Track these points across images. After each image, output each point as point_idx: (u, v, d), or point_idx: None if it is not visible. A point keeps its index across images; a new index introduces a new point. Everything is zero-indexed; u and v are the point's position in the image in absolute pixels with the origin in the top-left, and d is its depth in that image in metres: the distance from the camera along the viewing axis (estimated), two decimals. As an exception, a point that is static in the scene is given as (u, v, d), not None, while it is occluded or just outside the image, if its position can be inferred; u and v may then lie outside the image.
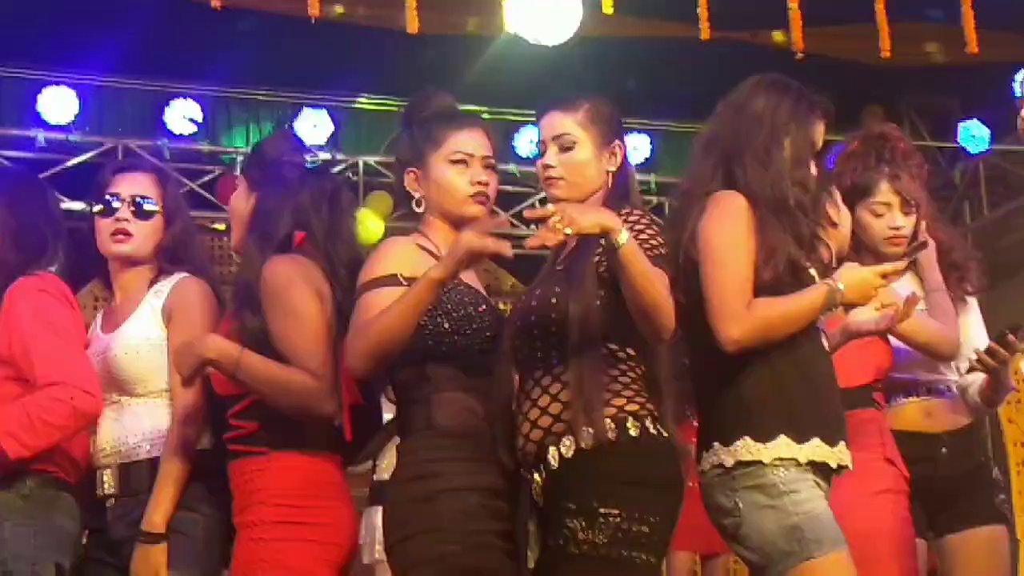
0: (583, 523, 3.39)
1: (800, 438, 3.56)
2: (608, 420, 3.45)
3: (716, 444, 3.63)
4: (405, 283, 3.58)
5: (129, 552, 3.89)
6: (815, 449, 3.58)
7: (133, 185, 4.19)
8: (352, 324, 3.60)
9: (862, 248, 4.56)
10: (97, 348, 4.12)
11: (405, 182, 3.85)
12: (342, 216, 4.04)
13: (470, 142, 3.83)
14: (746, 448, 3.57)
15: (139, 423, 4.03)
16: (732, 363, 3.61)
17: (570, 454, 3.46)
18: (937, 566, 4.47)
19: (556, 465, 3.48)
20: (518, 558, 3.60)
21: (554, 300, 3.59)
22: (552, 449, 3.49)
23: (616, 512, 3.38)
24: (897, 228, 4.57)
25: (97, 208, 4.18)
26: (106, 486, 4.03)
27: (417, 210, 3.84)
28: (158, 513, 3.86)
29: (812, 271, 3.71)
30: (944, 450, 4.42)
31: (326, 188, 4.09)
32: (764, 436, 3.56)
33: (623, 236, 3.34)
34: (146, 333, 4.07)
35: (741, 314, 3.57)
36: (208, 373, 3.80)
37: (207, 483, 3.95)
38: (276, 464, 3.75)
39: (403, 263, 3.66)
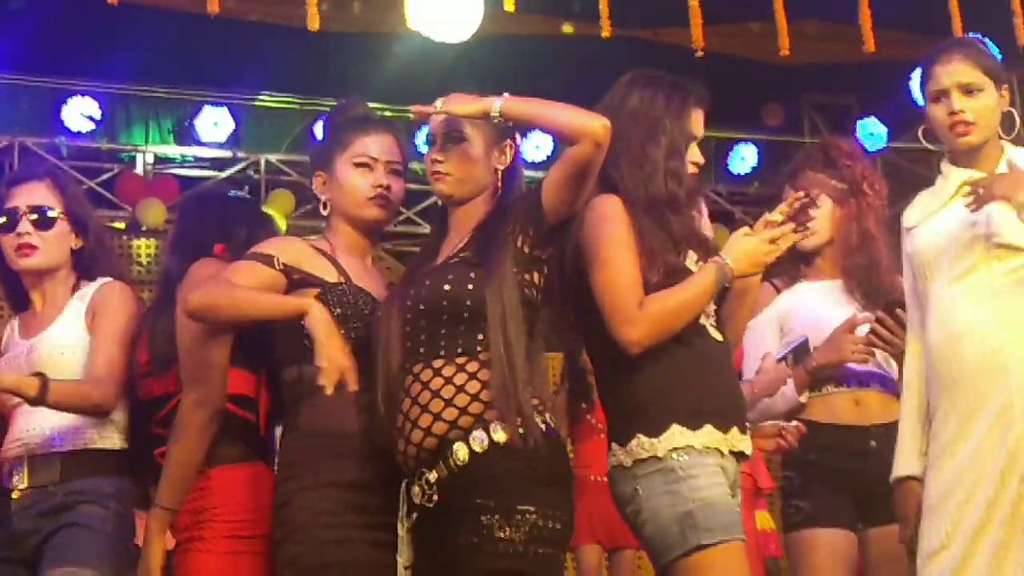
0: (499, 519, 3.37)
1: (693, 425, 3.59)
2: (518, 416, 3.45)
3: (615, 445, 3.65)
4: (279, 268, 3.62)
5: (35, 542, 3.88)
6: (709, 435, 3.60)
7: (30, 195, 4.14)
8: (216, 278, 3.66)
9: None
10: (18, 352, 4.10)
11: (314, 186, 3.86)
12: (260, 231, 4.05)
13: (375, 146, 3.83)
14: (640, 445, 3.58)
15: (54, 418, 3.97)
16: (625, 363, 3.63)
17: (481, 449, 3.44)
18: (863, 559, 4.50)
19: (465, 460, 3.46)
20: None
21: (470, 287, 3.56)
22: (459, 444, 3.46)
23: (532, 510, 3.38)
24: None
25: (1, 221, 4.13)
26: (18, 477, 3.99)
27: (323, 213, 3.84)
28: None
29: (692, 267, 3.73)
30: (873, 443, 4.44)
31: (248, 210, 4.29)
32: (656, 430, 3.57)
33: (495, 106, 3.53)
34: (71, 335, 4.05)
35: (636, 315, 3.59)
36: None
37: (117, 480, 3.96)
38: (217, 483, 3.72)
39: (286, 251, 3.68)
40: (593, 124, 3.46)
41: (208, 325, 3.69)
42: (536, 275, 3.58)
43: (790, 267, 4.57)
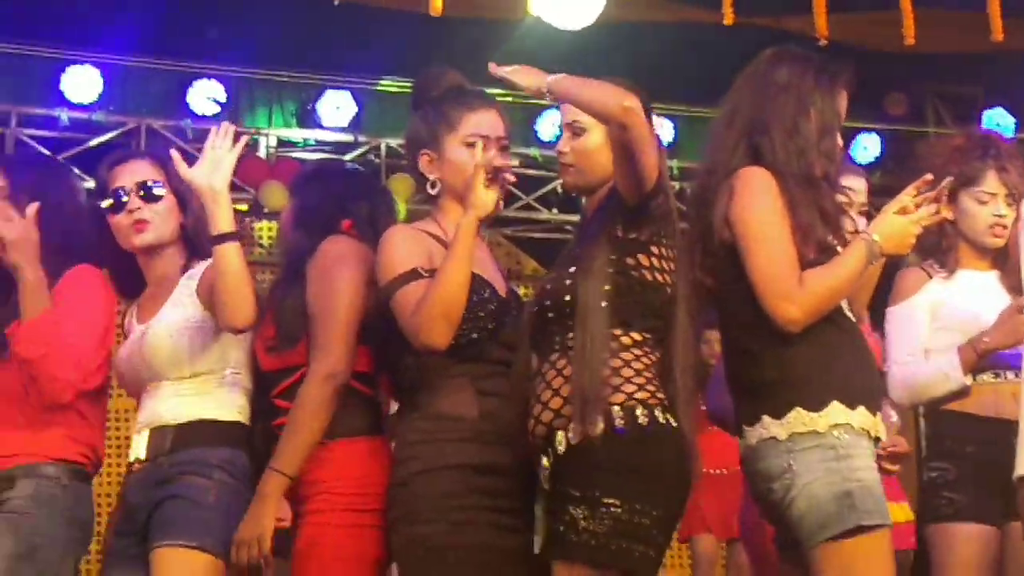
0: (585, 511, 3.38)
1: (851, 404, 3.55)
2: (617, 408, 3.44)
3: (765, 417, 3.60)
4: (427, 275, 3.62)
5: (144, 516, 3.92)
6: (863, 416, 3.56)
7: (134, 173, 4.17)
8: (403, 320, 3.62)
9: (959, 237, 4.58)
10: (133, 337, 4.15)
11: (419, 165, 3.86)
12: (383, 208, 4.12)
13: (485, 123, 3.86)
14: (799, 419, 3.53)
15: (174, 398, 4.02)
16: (780, 338, 3.59)
17: (576, 440, 3.45)
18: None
19: (563, 450, 3.47)
20: (524, 533, 3.59)
21: (568, 282, 3.59)
22: (559, 433, 3.48)
23: (617, 503, 3.37)
24: (1000, 216, 4.52)
25: (107, 203, 4.16)
26: (133, 452, 4.06)
27: (431, 192, 3.85)
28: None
29: (838, 248, 3.69)
30: None
31: (367, 184, 4.33)
32: (816, 405, 3.53)
33: (546, 82, 3.57)
34: (180, 315, 4.06)
35: (796, 293, 3.55)
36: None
37: (226, 452, 3.97)
38: (337, 454, 3.77)
39: (416, 255, 3.69)
40: (613, 105, 3.43)
41: (360, 301, 3.76)
42: (643, 256, 3.56)
43: (942, 255, 4.56)
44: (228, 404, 4.03)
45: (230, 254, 3.76)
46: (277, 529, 3.82)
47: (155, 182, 4.15)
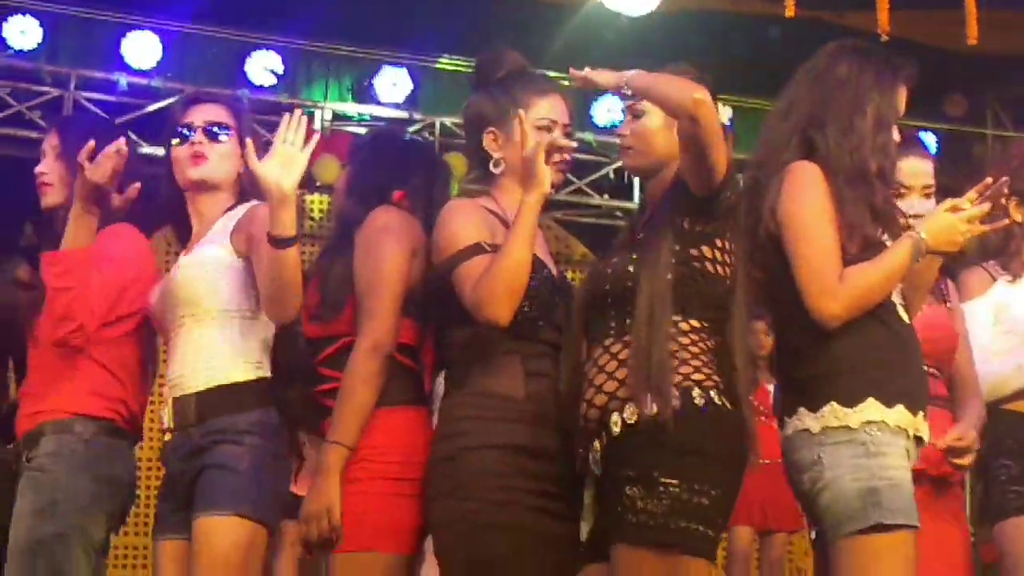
0: (642, 491, 3.37)
1: (888, 402, 3.54)
2: (673, 388, 3.44)
3: (802, 409, 3.60)
4: (490, 250, 3.62)
5: (185, 485, 3.91)
6: (901, 415, 3.55)
7: (206, 113, 4.17)
8: (465, 292, 3.60)
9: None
10: (168, 275, 4.16)
11: (484, 142, 3.86)
12: (439, 182, 4.09)
13: (554, 109, 3.86)
14: (833, 413, 3.54)
15: (193, 354, 4.00)
16: (821, 332, 3.59)
17: (632, 420, 3.45)
18: None
19: (618, 431, 3.47)
20: (567, 518, 3.60)
21: (631, 268, 3.59)
22: (615, 415, 3.48)
23: (675, 483, 3.36)
24: None
25: (174, 141, 4.17)
26: (165, 418, 4.04)
27: (494, 171, 3.85)
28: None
29: (888, 244, 3.68)
30: None
31: (424, 156, 4.27)
32: (852, 400, 3.53)
33: (625, 78, 3.55)
34: (212, 253, 4.03)
35: (836, 288, 3.55)
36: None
37: (255, 413, 3.94)
38: (378, 423, 3.74)
39: (480, 230, 3.68)
40: (685, 98, 3.42)
41: (406, 273, 3.77)
42: (706, 248, 3.56)
43: (1006, 258, 4.55)
44: (246, 355, 3.98)
45: (289, 259, 3.69)
46: (296, 496, 3.84)
47: (223, 126, 4.17)
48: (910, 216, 4.00)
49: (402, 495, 3.70)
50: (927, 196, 4.27)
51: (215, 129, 4.14)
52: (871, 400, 3.53)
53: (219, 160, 4.13)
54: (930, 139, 10.20)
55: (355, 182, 4.13)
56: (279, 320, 3.85)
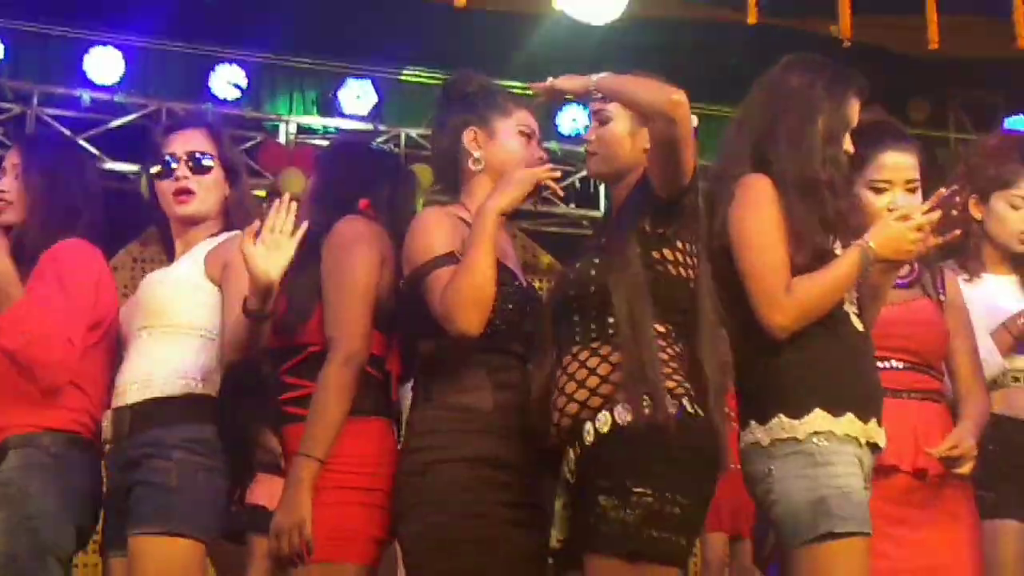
0: (615, 501, 3.37)
1: (836, 411, 3.57)
2: (645, 397, 3.45)
3: (752, 422, 3.64)
4: (460, 259, 3.62)
5: (121, 498, 3.92)
6: (850, 424, 3.57)
7: (187, 142, 4.18)
8: (434, 303, 3.60)
9: (985, 240, 4.56)
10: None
11: (464, 139, 3.86)
12: (404, 191, 4.09)
13: (532, 121, 3.93)
14: (780, 426, 3.57)
15: (140, 364, 4.02)
16: (769, 343, 3.62)
17: (605, 429, 3.45)
18: None
19: (591, 440, 3.47)
20: (535, 528, 3.60)
21: (593, 272, 3.59)
22: (588, 424, 3.48)
23: (648, 492, 3.36)
24: None
25: (155, 170, 4.18)
26: (105, 431, 4.06)
27: (474, 168, 3.85)
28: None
29: (839, 253, 3.71)
30: None
31: (389, 165, 4.28)
32: (798, 412, 3.56)
33: (592, 81, 3.56)
34: (181, 272, 4.07)
35: (783, 300, 3.59)
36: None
37: (190, 428, 3.95)
38: (343, 432, 3.72)
39: (451, 239, 3.68)
40: (661, 99, 3.42)
41: (375, 283, 3.76)
42: (668, 251, 3.57)
43: (964, 258, 4.55)
44: (190, 372, 3.99)
45: (260, 330, 3.75)
46: (265, 509, 3.83)
47: (205, 153, 4.17)
48: (892, 211, 4.02)
49: (367, 505, 3.70)
50: (911, 190, 4.17)
51: (200, 160, 4.14)
52: (817, 410, 3.56)
53: (205, 193, 4.16)
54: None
55: (321, 191, 4.13)
56: (232, 359, 3.87)
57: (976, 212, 4.56)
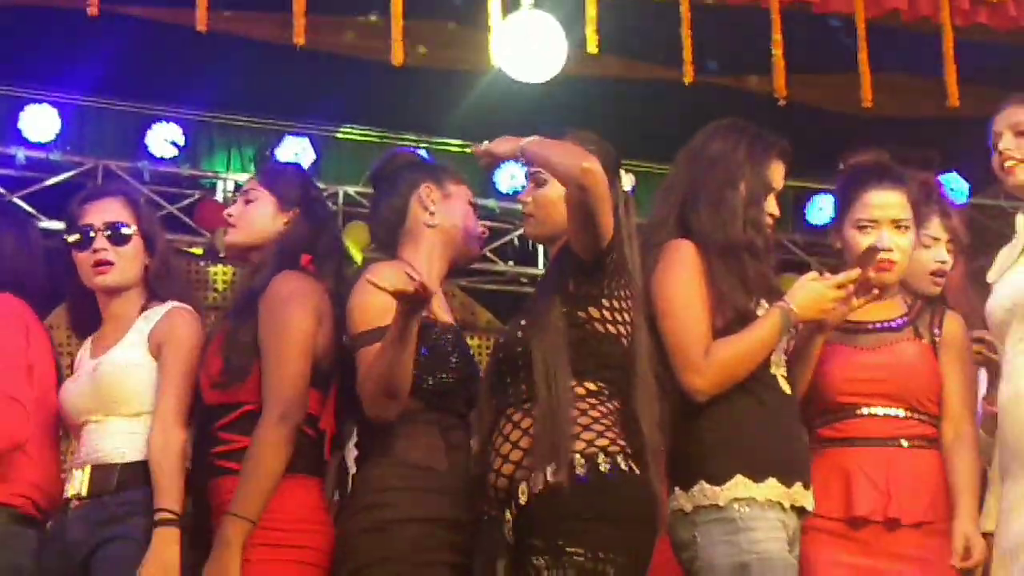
0: (548, 561, 3.38)
1: (757, 477, 3.58)
2: (578, 455, 3.45)
3: (677, 489, 3.65)
4: None
5: (84, 553, 3.88)
6: (772, 488, 3.59)
7: (105, 212, 4.18)
8: (358, 382, 3.63)
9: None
10: (83, 371, 4.13)
11: (420, 194, 3.87)
12: (339, 241, 4.10)
13: (471, 195, 4.00)
14: (702, 492, 3.61)
15: (119, 435, 4.01)
16: (692, 408, 3.64)
17: (539, 489, 3.45)
18: None
19: (525, 500, 3.47)
20: None
21: (519, 334, 3.60)
22: (522, 484, 3.48)
23: (580, 551, 3.37)
24: (943, 262, 4.44)
25: (73, 238, 4.15)
26: (71, 487, 4.01)
27: (429, 224, 3.84)
28: (174, 498, 3.84)
29: (761, 313, 3.72)
30: None
31: (326, 215, 4.28)
32: (720, 479, 3.59)
33: (520, 146, 3.60)
34: (132, 355, 4.06)
35: (702, 364, 3.62)
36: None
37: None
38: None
39: (389, 308, 3.62)
40: (574, 168, 3.46)
41: (312, 341, 3.72)
42: (593, 309, 3.59)
43: None
44: None
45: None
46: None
47: (123, 223, 4.14)
48: (881, 251, 4.02)
49: (294, 562, 3.68)
50: (899, 229, 4.15)
51: (119, 227, 4.12)
52: (738, 476, 3.59)
53: (126, 263, 4.16)
54: (828, 201, 10.30)
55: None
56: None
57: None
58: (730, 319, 3.70)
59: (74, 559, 3.93)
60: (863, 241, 4.09)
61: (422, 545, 3.57)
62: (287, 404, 3.73)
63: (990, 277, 4.11)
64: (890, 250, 4.06)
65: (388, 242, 3.92)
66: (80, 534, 3.94)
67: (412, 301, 3.41)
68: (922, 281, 4.46)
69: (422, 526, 3.59)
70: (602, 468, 3.47)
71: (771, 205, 3.91)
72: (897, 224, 4.16)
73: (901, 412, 4.09)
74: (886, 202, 4.18)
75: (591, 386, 3.57)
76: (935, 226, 4.49)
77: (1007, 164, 4.02)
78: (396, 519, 3.60)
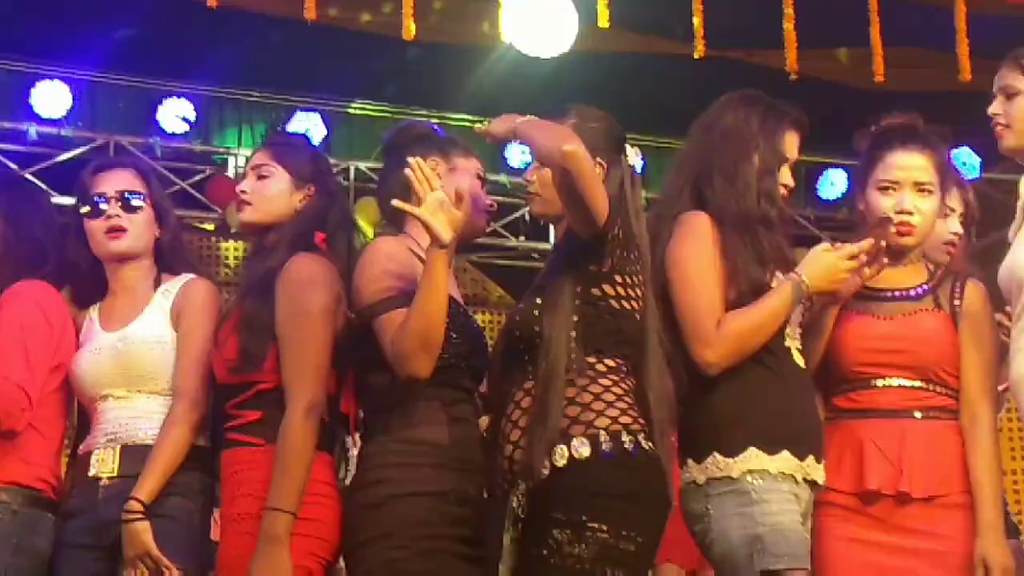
0: (570, 535, 3.38)
1: (770, 450, 3.58)
2: (603, 432, 3.46)
3: (690, 460, 3.66)
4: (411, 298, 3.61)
5: (118, 533, 3.86)
6: (785, 461, 3.59)
7: (117, 181, 4.17)
8: (385, 347, 3.61)
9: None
10: (101, 343, 4.11)
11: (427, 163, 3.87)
12: (350, 216, 4.10)
13: (481, 168, 3.99)
14: (715, 464, 3.60)
15: (146, 413, 4.01)
16: (705, 381, 3.64)
17: (562, 463, 3.45)
18: None
19: (548, 474, 3.47)
20: (485, 565, 3.60)
21: (536, 313, 3.60)
22: (544, 458, 3.48)
23: (605, 528, 3.38)
24: (956, 234, 4.39)
25: (85, 210, 4.16)
26: (101, 465, 4.00)
27: None
28: (143, 492, 3.84)
29: (776, 285, 3.72)
30: None
31: (336, 188, 4.25)
32: (733, 451, 3.59)
33: (513, 127, 3.60)
34: (158, 332, 4.06)
35: (713, 336, 3.61)
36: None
37: (203, 476, 3.97)
38: (271, 457, 3.72)
39: (402, 275, 3.68)
40: (555, 151, 3.45)
41: (332, 328, 3.74)
42: (607, 287, 3.59)
43: None
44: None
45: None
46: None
47: (136, 192, 4.15)
48: (900, 212, 3.96)
49: (301, 535, 3.67)
50: (922, 192, 4.03)
51: (130, 198, 4.12)
52: (752, 449, 3.58)
53: (139, 231, 4.14)
54: (840, 175, 10.25)
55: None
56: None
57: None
58: (744, 291, 3.69)
59: (108, 536, 3.92)
60: (884, 202, 3.99)
61: (422, 519, 3.57)
62: (313, 395, 3.73)
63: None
64: (911, 212, 3.98)
65: (395, 216, 3.91)
66: (114, 514, 3.90)
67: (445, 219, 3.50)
68: (935, 250, 4.37)
69: (422, 500, 3.59)
70: (627, 446, 3.47)
71: (785, 176, 3.89)
72: (920, 187, 4.04)
73: (917, 383, 3.99)
74: (910, 164, 4.07)
75: (610, 363, 3.58)
76: (953, 197, 4.42)
77: (997, 129, 3.99)
78: (393, 494, 3.60)
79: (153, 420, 3.99)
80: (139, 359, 4.03)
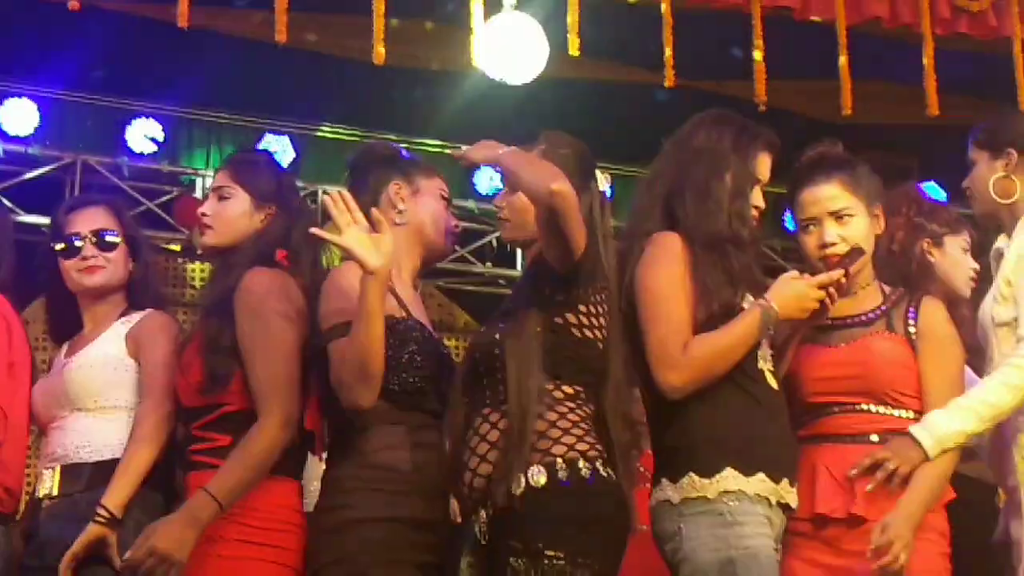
0: (526, 563, 3.38)
1: (747, 471, 3.57)
2: (559, 459, 3.45)
3: (664, 480, 3.64)
4: None
5: (57, 552, 3.85)
6: (761, 483, 3.58)
7: (91, 220, 4.23)
8: (331, 375, 3.60)
9: (933, 282, 4.50)
10: (57, 369, 4.17)
11: (389, 192, 3.87)
12: (311, 238, 4.09)
13: (447, 190, 4.00)
14: (691, 484, 3.59)
15: (86, 433, 4.02)
16: (677, 402, 3.63)
17: (519, 491, 3.45)
18: None
19: (504, 502, 3.47)
20: None
21: (497, 336, 3.60)
22: (502, 486, 3.47)
23: (560, 555, 3.37)
24: (976, 269, 4.63)
25: (59, 247, 4.19)
26: (42, 487, 4.01)
27: (398, 222, 3.83)
28: (117, 498, 3.83)
29: (746, 306, 3.72)
30: None
31: (299, 205, 4.27)
32: (709, 471, 3.58)
33: (496, 157, 3.58)
34: (105, 351, 4.09)
35: (679, 360, 3.60)
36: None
37: (157, 495, 3.96)
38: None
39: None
40: (542, 189, 3.44)
41: (300, 345, 3.71)
42: (570, 315, 3.59)
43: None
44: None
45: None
46: None
47: (110, 230, 4.18)
48: (822, 247, 3.98)
49: (253, 559, 3.67)
50: (840, 220, 4.02)
51: (104, 235, 4.16)
52: (729, 470, 3.57)
53: (114, 267, 4.20)
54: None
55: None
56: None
57: (931, 255, 4.57)
58: (714, 312, 3.68)
59: (49, 556, 3.91)
60: (808, 242, 4.03)
61: (382, 544, 3.56)
62: (289, 409, 3.72)
63: None
64: (834, 243, 4.00)
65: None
66: (53, 533, 3.94)
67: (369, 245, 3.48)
68: (963, 284, 4.58)
69: (382, 526, 3.58)
70: (583, 473, 3.47)
71: (757, 197, 3.89)
72: (837, 215, 4.04)
73: (873, 408, 3.98)
74: (818, 196, 4.07)
75: (568, 390, 3.58)
76: (967, 235, 4.65)
77: None
78: (354, 519, 3.59)
79: (93, 438, 4.00)
80: (82, 377, 4.07)
